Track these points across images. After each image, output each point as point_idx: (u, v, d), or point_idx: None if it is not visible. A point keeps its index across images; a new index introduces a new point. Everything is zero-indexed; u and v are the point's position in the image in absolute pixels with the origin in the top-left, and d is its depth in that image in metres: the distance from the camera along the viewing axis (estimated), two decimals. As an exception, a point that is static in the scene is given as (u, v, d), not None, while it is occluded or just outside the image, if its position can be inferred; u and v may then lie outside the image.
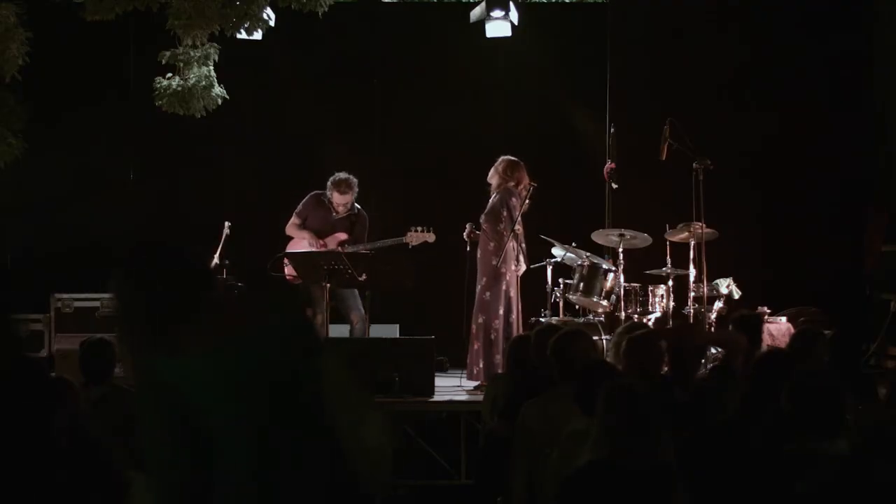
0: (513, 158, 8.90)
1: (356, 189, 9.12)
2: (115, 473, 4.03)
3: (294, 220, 9.23)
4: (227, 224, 9.35)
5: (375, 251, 8.92)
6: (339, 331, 9.11)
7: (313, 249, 8.99)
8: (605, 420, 3.81)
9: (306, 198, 9.26)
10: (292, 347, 2.85)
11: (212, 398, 2.77)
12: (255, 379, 2.79)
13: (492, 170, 8.91)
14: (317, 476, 2.79)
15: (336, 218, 9.17)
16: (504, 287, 8.69)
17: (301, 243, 9.13)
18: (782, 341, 8.43)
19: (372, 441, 2.84)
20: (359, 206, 9.23)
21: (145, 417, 2.84)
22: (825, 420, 3.79)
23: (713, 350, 7.65)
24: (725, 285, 9.26)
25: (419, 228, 8.96)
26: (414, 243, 8.99)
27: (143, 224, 10.53)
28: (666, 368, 5.29)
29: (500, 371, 8.00)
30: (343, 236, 9.13)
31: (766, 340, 8.67)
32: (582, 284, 9.02)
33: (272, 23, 9.43)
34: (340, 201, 9.10)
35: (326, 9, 9.24)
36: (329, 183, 9.13)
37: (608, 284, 9.01)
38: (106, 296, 10.08)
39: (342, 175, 9.11)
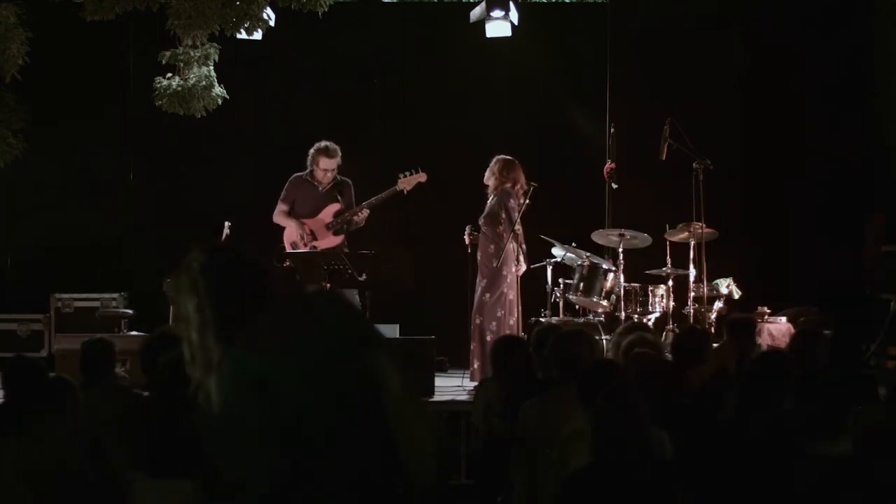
0: (508, 158, 8.90)
1: (340, 154, 9.09)
2: (116, 473, 4.03)
3: (281, 206, 9.19)
4: (227, 224, 9.36)
5: (373, 208, 8.97)
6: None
7: (303, 239, 9.02)
8: (595, 414, 3.81)
9: (287, 182, 9.23)
10: (354, 342, 2.89)
11: (293, 393, 2.78)
12: (327, 373, 2.82)
13: (487, 171, 8.91)
14: (374, 470, 2.82)
15: (322, 191, 9.14)
16: (504, 289, 8.69)
17: (291, 232, 9.13)
18: (782, 341, 8.43)
19: (421, 439, 2.88)
20: (340, 176, 9.20)
21: (235, 419, 2.81)
22: (827, 421, 3.79)
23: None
24: (725, 285, 9.26)
25: (408, 173, 8.98)
26: (408, 188, 9.02)
27: (143, 224, 10.56)
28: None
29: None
30: (336, 207, 9.10)
31: (766, 340, 8.70)
32: (582, 284, 9.02)
33: (272, 23, 9.42)
34: (328, 166, 9.03)
35: (326, 9, 9.24)
36: (312, 152, 9.06)
37: (608, 284, 9.01)
38: (106, 296, 10.17)
39: (324, 142, 9.09)
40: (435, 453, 2.89)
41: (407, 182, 9.01)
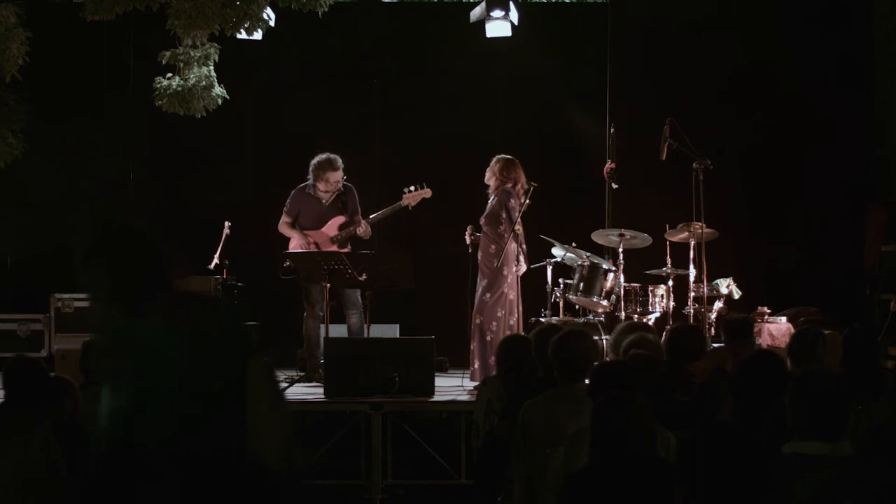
0: (508, 157, 8.89)
1: (342, 163, 9.13)
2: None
3: (285, 218, 9.21)
4: (227, 224, 9.36)
5: (377, 222, 9.00)
6: (338, 331, 9.11)
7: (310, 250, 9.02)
8: (597, 412, 3.83)
9: (292, 193, 9.24)
10: (233, 341, 3.25)
11: (157, 357, 3.16)
12: (216, 357, 3.20)
13: (488, 171, 8.90)
14: (233, 446, 3.17)
15: (326, 205, 9.17)
16: (505, 289, 8.69)
17: (296, 244, 9.12)
18: (782, 341, 8.44)
19: (275, 435, 3.23)
20: (344, 183, 9.23)
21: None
22: (829, 423, 3.78)
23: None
24: (725, 285, 9.26)
25: (413, 188, 9.04)
26: (413, 203, 9.07)
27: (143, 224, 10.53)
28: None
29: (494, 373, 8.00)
30: (340, 219, 9.12)
31: (766, 340, 8.70)
32: (582, 284, 9.02)
33: (272, 23, 9.43)
34: (336, 178, 9.07)
35: (326, 9, 9.24)
36: (315, 167, 9.08)
37: (608, 284, 9.01)
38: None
39: (324, 155, 9.11)
40: (286, 452, 3.23)
41: (412, 197, 9.03)
